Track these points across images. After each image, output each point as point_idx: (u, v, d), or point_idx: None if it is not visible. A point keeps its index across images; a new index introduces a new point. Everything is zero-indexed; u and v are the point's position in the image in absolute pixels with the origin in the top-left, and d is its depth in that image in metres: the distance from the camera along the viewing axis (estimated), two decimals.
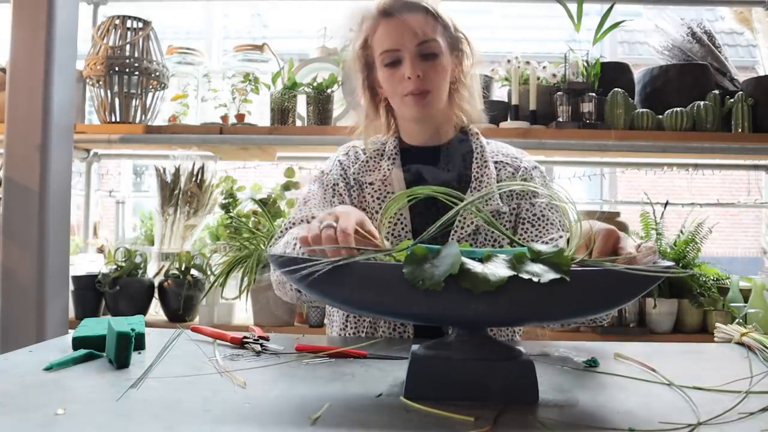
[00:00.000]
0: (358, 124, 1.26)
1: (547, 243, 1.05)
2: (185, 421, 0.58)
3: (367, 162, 1.24)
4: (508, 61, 2.22)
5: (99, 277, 2.10)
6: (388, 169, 1.21)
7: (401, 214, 1.16)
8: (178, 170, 2.25)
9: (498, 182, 1.20)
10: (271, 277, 1.18)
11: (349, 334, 1.18)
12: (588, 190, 3.00)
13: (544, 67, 2.25)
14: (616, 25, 2.25)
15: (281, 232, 1.19)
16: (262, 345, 0.92)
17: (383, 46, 1.15)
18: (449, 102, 1.21)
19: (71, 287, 2.01)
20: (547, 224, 1.16)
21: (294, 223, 1.18)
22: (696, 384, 0.73)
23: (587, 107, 2.12)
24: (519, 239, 1.16)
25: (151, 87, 2.26)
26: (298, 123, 2.23)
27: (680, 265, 2.03)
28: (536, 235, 1.15)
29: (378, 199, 1.19)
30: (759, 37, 2.52)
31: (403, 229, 1.16)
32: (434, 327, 1.11)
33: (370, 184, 1.21)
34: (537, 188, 0.99)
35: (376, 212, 1.18)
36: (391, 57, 1.14)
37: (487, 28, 7.00)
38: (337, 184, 1.23)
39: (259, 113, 2.27)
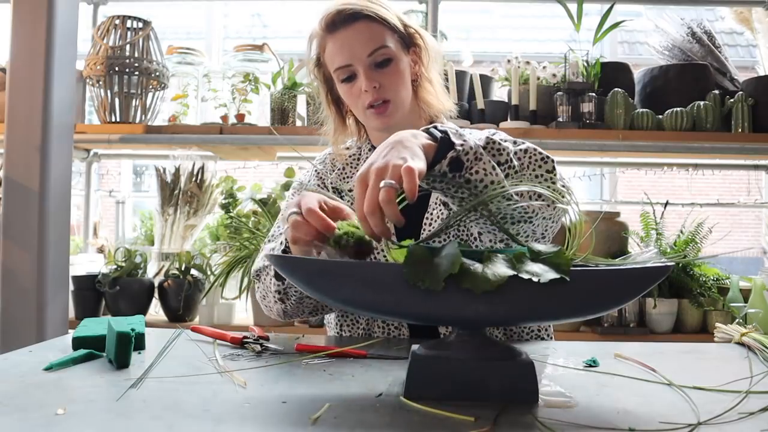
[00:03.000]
0: (327, 135, 1.25)
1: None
2: (185, 421, 0.58)
3: (343, 169, 1.23)
4: (508, 61, 2.22)
5: (99, 277, 2.10)
6: None
7: None
8: (178, 170, 2.25)
9: None
10: (256, 294, 1.17)
11: (346, 334, 1.18)
12: (588, 190, 3.00)
13: (544, 67, 2.25)
14: (616, 25, 2.25)
15: (262, 248, 1.20)
16: (262, 345, 0.92)
17: (335, 63, 1.12)
18: (415, 100, 1.18)
19: (71, 287, 2.01)
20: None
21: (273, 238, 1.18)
22: (696, 384, 0.73)
23: (587, 107, 2.12)
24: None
25: (151, 87, 2.26)
26: (298, 123, 2.23)
27: (680, 265, 2.03)
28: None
29: None
30: (759, 37, 2.52)
31: None
32: (430, 328, 1.11)
33: (350, 191, 1.20)
34: (541, 190, 0.87)
35: None
36: (345, 73, 1.11)
37: (487, 28, 7.01)
38: None
39: (259, 113, 2.27)
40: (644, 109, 2.13)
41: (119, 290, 2.09)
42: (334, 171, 1.25)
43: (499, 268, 0.63)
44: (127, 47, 2.20)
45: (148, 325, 1.01)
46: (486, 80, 2.24)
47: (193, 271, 2.12)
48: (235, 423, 0.58)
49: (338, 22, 1.10)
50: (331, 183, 1.23)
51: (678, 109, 2.11)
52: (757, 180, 2.79)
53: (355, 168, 1.23)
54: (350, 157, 1.25)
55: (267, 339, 0.96)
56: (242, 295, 2.01)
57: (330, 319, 1.23)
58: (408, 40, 1.15)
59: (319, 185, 1.24)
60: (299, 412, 0.61)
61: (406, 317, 0.82)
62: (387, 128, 1.15)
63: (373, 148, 1.24)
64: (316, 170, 1.27)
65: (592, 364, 0.85)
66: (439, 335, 1.10)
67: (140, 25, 2.24)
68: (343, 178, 1.23)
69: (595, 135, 2.10)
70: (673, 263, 0.68)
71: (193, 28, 5.53)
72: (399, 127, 1.17)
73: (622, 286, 0.65)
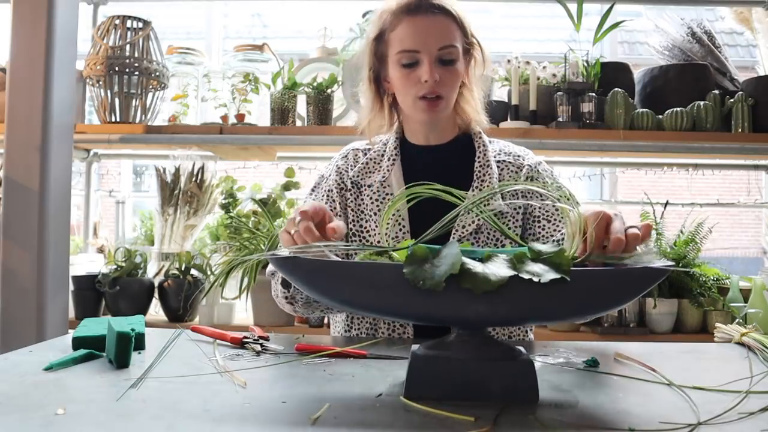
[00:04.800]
0: (360, 119, 1.25)
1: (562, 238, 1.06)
2: (185, 421, 0.58)
3: (366, 164, 1.23)
4: (508, 61, 2.22)
5: (99, 277, 2.10)
6: (388, 170, 1.21)
7: (400, 216, 1.15)
8: (178, 170, 2.25)
9: (500, 182, 1.20)
10: (272, 291, 1.19)
11: (353, 334, 1.18)
12: (588, 190, 3.00)
13: (544, 67, 2.25)
14: (616, 25, 2.25)
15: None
16: (262, 345, 0.92)
17: (403, 45, 1.13)
18: (454, 104, 1.21)
19: (71, 287, 2.01)
20: (563, 219, 1.15)
21: None
22: (696, 384, 0.73)
23: (587, 107, 2.12)
24: (535, 236, 1.17)
25: (151, 87, 2.26)
26: (298, 123, 2.23)
27: (680, 265, 2.03)
28: (554, 230, 1.15)
29: (377, 201, 1.18)
30: (759, 37, 2.52)
31: (401, 230, 1.15)
32: (434, 327, 1.11)
33: (369, 186, 1.20)
34: (538, 189, 0.94)
35: (375, 214, 1.18)
36: (409, 58, 1.12)
37: (487, 28, 6.99)
38: (331, 191, 1.22)
39: (259, 113, 2.27)
40: (644, 109, 2.13)
41: (119, 290, 2.08)
42: (356, 165, 1.24)
43: (500, 269, 0.63)
44: (127, 47, 2.19)
45: (148, 325, 1.01)
46: (486, 80, 2.24)
47: (193, 271, 2.12)
48: (235, 423, 0.58)
49: (421, 6, 1.12)
50: (351, 178, 1.22)
51: (678, 109, 2.10)
52: (757, 180, 2.79)
53: (378, 164, 1.23)
54: (374, 152, 1.25)
55: (267, 339, 0.96)
56: (242, 295, 2.01)
57: (338, 317, 1.23)
58: (469, 49, 1.18)
59: (336, 181, 1.23)
60: (299, 412, 0.61)
61: (406, 317, 0.82)
62: (431, 123, 1.19)
63: (403, 141, 1.25)
64: (336, 165, 1.26)
65: (592, 364, 0.85)
66: (443, 334, 1.10)
67: (140, 25, 2.24)
68: (366, 173, 1.22)
69: (595, 135, 2.10)
70: (673, 263, 0.68)
71: (193, 28, 5.52)
72: (439, 125, 1.21)
73: (622, 287, 0.65)
